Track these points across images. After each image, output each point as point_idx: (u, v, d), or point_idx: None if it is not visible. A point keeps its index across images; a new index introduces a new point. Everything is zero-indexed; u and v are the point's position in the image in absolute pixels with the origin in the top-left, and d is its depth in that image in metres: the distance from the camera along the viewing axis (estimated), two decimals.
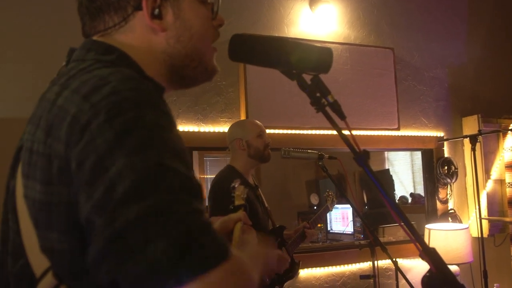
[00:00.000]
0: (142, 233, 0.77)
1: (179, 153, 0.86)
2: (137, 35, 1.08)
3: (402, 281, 2.90)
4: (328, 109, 1.25)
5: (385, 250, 2.88)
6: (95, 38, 1.10)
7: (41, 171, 0.90)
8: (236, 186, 2.19)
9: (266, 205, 3.33)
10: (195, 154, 4.48)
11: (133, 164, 0.80)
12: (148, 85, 0.93)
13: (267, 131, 3.78)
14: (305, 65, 1.25)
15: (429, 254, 1.11)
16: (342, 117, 1.25)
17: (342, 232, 5.26)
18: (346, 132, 1.22)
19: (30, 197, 0.93)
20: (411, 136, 4.71)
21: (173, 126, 0.90)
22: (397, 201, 6.04)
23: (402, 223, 1.19)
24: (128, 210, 0.77)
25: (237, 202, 2.06)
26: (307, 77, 1.25)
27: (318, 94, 1.25)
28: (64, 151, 0.86)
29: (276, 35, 4.17)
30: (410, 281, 2.62)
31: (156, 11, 1.07)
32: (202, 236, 0.79)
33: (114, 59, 1.03)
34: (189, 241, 0.77)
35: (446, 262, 3.58)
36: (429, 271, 1.11)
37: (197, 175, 5.28)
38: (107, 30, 1.08)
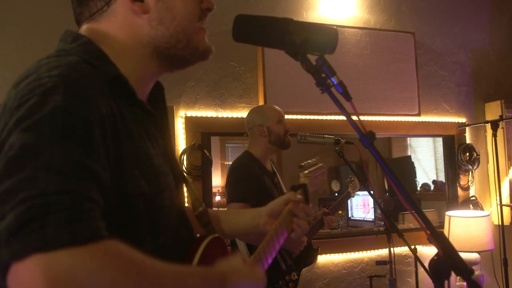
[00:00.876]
0: (1, 207, 0.79)
1: (74, 138, 0.86)
2: (119, 19, 1.10)
3: (422, 268, 2.87)
4: (333, 90, 1.24)
5: (402, 236, 2.86)
6: (82, 27, 1.13)
7: None
8: (304, 164, 2.15)
9: (285, 191, 3.31)
10: (216, 139, 4.49)
11: (14, 143, 0.83)
12: (78, 73, 0.94)
13: (286, 117, 3.77)
14: (309, 46, 1.24)
15: (437, 238, 1.10)
16: (348, 98, 1.23)
17: (363, 219, 5.25)
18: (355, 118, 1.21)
19: None
20: (432, 122, 4.65)
21: (82, 111, 0.89)
22: (419, 188, 6.00)
23: (413, 211, 1.17)
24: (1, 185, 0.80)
25: (301, 181, 2.01)
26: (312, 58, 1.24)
27: (323, 75, 1.23)
28: None
29: (295, 19, 4.12)
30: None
31: None
32: (50, 215, 0.78)
33: (72, 47, 1.05)
34: (31, 218, 0.77)
35: (467, 249, 3.57)
36: (436, 254, 1.10)
37: (219, 161, 5.32)
38: (92, 16, 1.11)
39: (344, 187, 5.54)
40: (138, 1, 1.09)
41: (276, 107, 3.31)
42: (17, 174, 0.80)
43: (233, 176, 3.16)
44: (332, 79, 1.23)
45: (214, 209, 2.39)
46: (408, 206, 1.17)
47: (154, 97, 1.26)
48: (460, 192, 4.68)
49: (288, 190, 1.79)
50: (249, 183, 3.06)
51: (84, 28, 1.13)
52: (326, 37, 1.28)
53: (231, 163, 3.36)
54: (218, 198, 5.40)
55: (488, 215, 4.17)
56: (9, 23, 3.43)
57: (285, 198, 1.62)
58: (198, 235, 1.27)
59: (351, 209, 5.42)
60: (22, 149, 0.82)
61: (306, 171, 2.09)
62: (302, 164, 2.15)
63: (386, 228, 3.02)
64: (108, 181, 0.90)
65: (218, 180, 5.32)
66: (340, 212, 5.35)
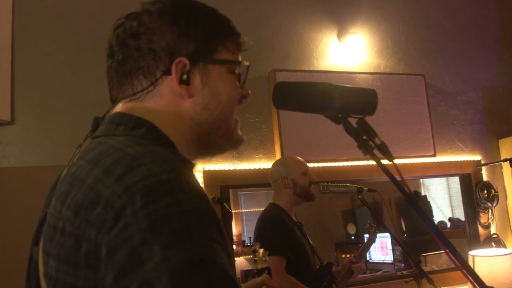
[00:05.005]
0: None
1: (218, 240, 0.83)
2: (164, 100, 1.08)
3: None
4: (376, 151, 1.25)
5: (432, 282, 2.84)
6: (122, 106, 1.10)
7: (67, 251, 0.88)
8: (257, 249, 2.19)
9: (311, 242, 3.30)
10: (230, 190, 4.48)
11: (169, 258, 0.76)
12: (181, 166, 0.92)
13: None
14: (350, 109, 1.25)
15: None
16: (391, 159, 1.24)
17: (382, 261, 5.19)
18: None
19: (52, 277, 0.92)
20: (447, 161, 4.64)
21: (211, 208, 0.86)
22: None
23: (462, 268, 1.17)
24: None
25: (259, 266, 2.05)
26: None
27: (364, 137, 1.24)
28: (95, 235, 0.83)
29: (306, 69, 4.19)
30: None
31: (185, 76, 1.07)
32: None
33: (143, 134, 1.01)
34: None
35: None
36: None
37: (232, 209, 5.29)
38: (135, 95, 1.08)
39: (360, 230, 5.50)
40: (185, 85, 1.07)
41: (301, 159, 3.32)
42: None
43: (265, 230, 3.14)
44: (374, 140, 1.24)
45: None
46: (454, 261, 1.17)
47: None
48: (481, 230, 4.63)
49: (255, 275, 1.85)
50: (282, 236, 3.05)
51: (126, 107, 1.09)
52: (366, 99, 1.29)
53: (244, 210, 3.37)
54: (233, 247, 5.36)
55: None
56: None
57: (259, 281, 1.70)
58: None
59: (369, 251, 5.37)
60: (188, 265, 0.76)
61: (260, 255, 2.12)
62: (255, 248, 2.19)
63: (416, 274, 2.98)
64: None
65: (232, 229, 5.29)
66: None
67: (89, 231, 0.84)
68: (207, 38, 1.09)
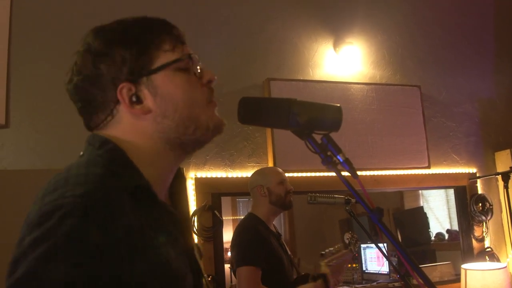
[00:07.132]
0: None
1: (79, 268, 0.86)
2: (125, 125, 1.13)
3: None
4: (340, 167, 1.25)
5: None
6: (96, 131, 1.17)
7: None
8: (325, 252, 2.15)
9: (289, 253, 3.30)
10: (227, 198, 4.48)
11: (28, 274, 0.85)
12: (101, 192, 0.95)
13: (295, 174, 3.79)
14: (314, 125, 1.26)
15: None
16: (355, 176, 1.25)
17: (377, 272, 5.16)
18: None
19: None
20: (442, 173, 4.63)
21: (96, 235, 0.90)
22: (433, 239, 5.91)
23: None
24: None
25: (322, 270, 2.01)
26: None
27: (329, 153, 1.25)
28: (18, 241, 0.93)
29: (301, 78, 4.20)
30: None
31: (134, 98, 1.11)
32: None
33: (99, 155, 1.08)
34: None
35: None
36: None
37: (230, 216, 5.29)
38: (99, 126, 1.15)
39: (358, 238, 5.47)
40: (137, 104, 1.11)
41: (279, 169, 3.34)
42: None
43: (240, 240, 3.15)
44: (338, 157, 1.25)
45: None
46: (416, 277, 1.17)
47: (176, 187, 1.25)
48: (475, 243, 4.61)
49: (310, 279, 1.80)
50: (257, 246, 3.04)
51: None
52: (330, 115, 1.30)
53: (242, 217, 3.38)
54: (230, 254, 5.35)
55: (505, 266, 4.09)
56: None
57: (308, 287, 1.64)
58: None
59: (365, 262, 5.35)
60: (26, 276, 0.85)
61: (327, 260, 2.08)
62: (323, 252, 2.15)
63: (401, 287, 2.98)
64: None
65: (229, 235, 5.28)
66: (354, 265, 5.27)
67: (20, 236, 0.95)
68: (137, 54, 1.11)
